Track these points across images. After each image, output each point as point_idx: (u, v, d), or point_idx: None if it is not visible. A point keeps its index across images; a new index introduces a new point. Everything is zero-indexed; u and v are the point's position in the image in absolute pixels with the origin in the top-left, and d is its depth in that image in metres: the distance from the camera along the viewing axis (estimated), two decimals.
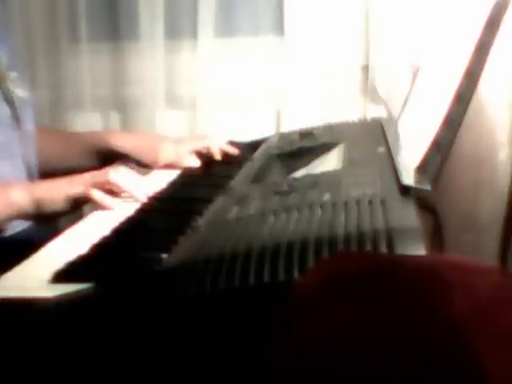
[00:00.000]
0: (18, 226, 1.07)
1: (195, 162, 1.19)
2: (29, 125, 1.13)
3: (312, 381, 0.44)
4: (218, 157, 1.22)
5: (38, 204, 0.92)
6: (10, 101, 1.08)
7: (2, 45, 1.10)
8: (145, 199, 0.95)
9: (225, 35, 1.59)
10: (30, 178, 1.12)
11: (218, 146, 1.23)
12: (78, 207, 0.95)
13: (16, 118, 1.09)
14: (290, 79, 1.52)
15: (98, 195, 0.92)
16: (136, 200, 0.94)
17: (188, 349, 0.59)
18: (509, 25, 0.78)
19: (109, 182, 0.94)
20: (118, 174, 0.95)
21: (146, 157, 1.22)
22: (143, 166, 1.22)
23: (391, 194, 0.72)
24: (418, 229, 0.62)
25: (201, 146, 1.23)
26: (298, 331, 0.47)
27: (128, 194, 0.94)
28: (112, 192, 0.94)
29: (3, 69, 1.09)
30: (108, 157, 1.25)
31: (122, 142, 1.23)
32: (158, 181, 1.07)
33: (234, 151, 1.24)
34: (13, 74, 1.10)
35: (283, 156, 1.13)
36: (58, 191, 0.93)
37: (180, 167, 1.18)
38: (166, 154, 1.21)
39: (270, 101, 1.55)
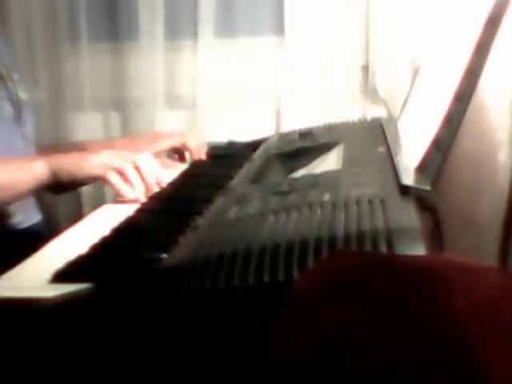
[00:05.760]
0: (29, 220, 1.08)
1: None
2: (28, 124, 1.13)
3: (312, 380, 0.44)
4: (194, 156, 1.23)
5: (55, 175, 0.95)
6: (13, 100, 1.09)
7: (5, 47, 1.11)
8: (158, 190, 0.98)
9: (225, 35, 1.59)
10: None
11: (195, 146, 1.24)
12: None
13: (18, 117, 1.10)
14: (289, 79, 1.52)
15: (114, 179, 0.95)
16: (150, 190, 0.97)
17: (188, 348, 0.60)
18: (509, 24, 0.77)
19: (136, 166, 0.96)
20: (145, 161, 0.98)
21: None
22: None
23: (391, 193, 0.72)
24: (418, 229, 0.62)
25: (177, 142, 1.24)
26: (298, 330, 0.47)
27: (146, 183, 0.97)
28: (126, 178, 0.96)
29: (8, 69, 1.09)
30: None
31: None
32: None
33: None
34: (15, 76, 1.11)
35: (283, 156, 1.13)
36: (75, 166, 0.96)
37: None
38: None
39: (270, 101, 1.55)
